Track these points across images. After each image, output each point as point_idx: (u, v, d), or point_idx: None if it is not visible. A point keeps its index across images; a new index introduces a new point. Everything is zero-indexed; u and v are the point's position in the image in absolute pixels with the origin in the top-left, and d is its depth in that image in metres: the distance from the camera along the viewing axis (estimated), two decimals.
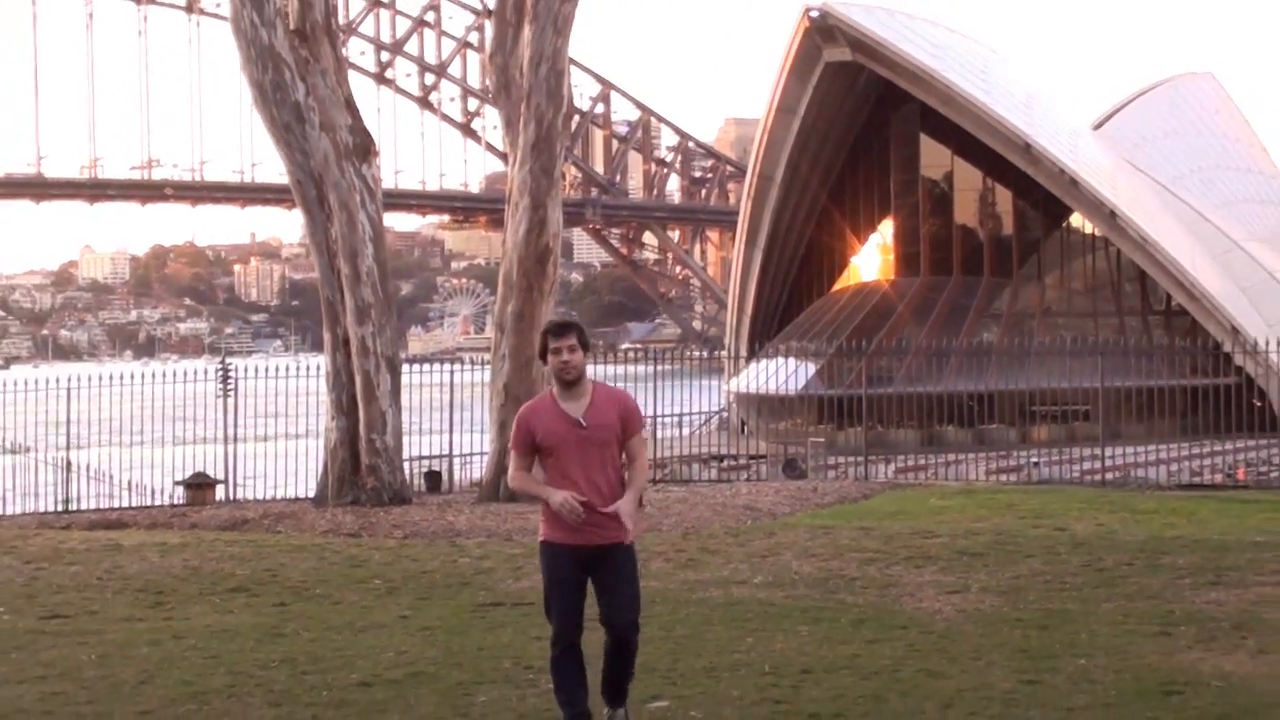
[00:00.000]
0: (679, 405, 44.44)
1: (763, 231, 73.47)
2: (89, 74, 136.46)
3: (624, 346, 77.39)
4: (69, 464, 32.06)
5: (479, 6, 32.89)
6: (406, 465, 25.78)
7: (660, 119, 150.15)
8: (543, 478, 8.43)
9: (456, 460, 31.79)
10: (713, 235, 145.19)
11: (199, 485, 29.46)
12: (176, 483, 30.62)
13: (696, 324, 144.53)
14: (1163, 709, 9.37)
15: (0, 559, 18.04)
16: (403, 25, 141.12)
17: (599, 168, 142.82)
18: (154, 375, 36.73)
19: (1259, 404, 49.25)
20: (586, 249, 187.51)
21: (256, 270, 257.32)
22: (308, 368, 29.79)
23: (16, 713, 9.94)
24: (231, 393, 30.95)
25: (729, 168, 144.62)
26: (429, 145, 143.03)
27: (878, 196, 74.58)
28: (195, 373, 35.44)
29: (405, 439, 25.20)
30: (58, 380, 33.46)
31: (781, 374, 61.67)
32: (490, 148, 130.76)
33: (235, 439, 30.24)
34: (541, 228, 24.62)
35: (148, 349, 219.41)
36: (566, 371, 8.36)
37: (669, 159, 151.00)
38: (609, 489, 8.34)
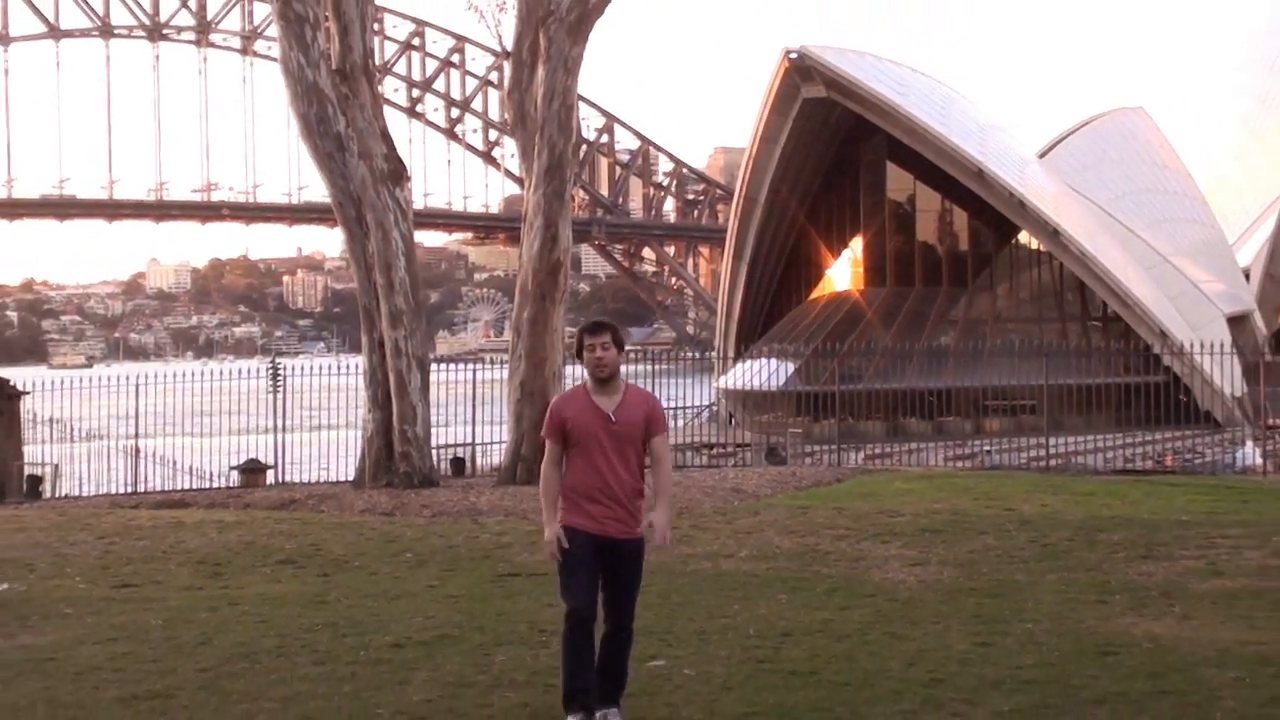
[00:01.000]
0: (673, 400, 44.33)
1: (748, 247, 73.63)
2: (155, 109, 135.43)
3: (628, 347, 77.51)
4: (138, 451, 32.06)
5: (498, 49, 32.94)
6: (434, 452, 25.76)
7: (657, 148, 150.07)
8: (557, 478, 7.94)
9: (478, 448, 31.76)
10: (704, 250, 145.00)
11: (252, 470, 29.44)
12: (232, 468, 30.62)
13: (689, 328, 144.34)
14: (1099, 668, 9.36)
15: (77, 535, 18.06)
16: (431, 65, 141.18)
17: (604, 191, 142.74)
18: (212, 374, 36.75)
19: (1184, 399, 49.26)
20: (592, 262, 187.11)
21: (302, 281, 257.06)
22: (347, 367, 29.74)
23: (92, 669, 9.93)
24: (280, 389, 30.97)
25: (718, 191, 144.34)
26: (454, 171, 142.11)
27: (849, 216, 74.80)
28: (248, 371, 35.44)
29: (433, 429, 25.20)
30: (127, 378, 33.46)
31: (764, 372, 61.78)
32: (508, 173, 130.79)
33: (284, 429, 30.24)
34: (553, 244, 24.59)
35: (207, 350, 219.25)
36: (600, 368, 7.89)
37: (665, 183, 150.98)
38: (631, 481, 7.91)
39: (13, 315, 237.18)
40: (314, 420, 33.33)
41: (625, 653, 8.00)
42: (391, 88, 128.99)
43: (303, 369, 34.59)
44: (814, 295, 74.89)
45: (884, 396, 48.73)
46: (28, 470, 29.91)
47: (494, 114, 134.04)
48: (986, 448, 40.22)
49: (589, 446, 7.81)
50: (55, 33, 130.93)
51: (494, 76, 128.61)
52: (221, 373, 37.17)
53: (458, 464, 29.55)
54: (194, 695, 9.02)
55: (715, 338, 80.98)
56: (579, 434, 7.82)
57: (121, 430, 33.59)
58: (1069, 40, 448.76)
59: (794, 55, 68.45)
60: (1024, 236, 70.61)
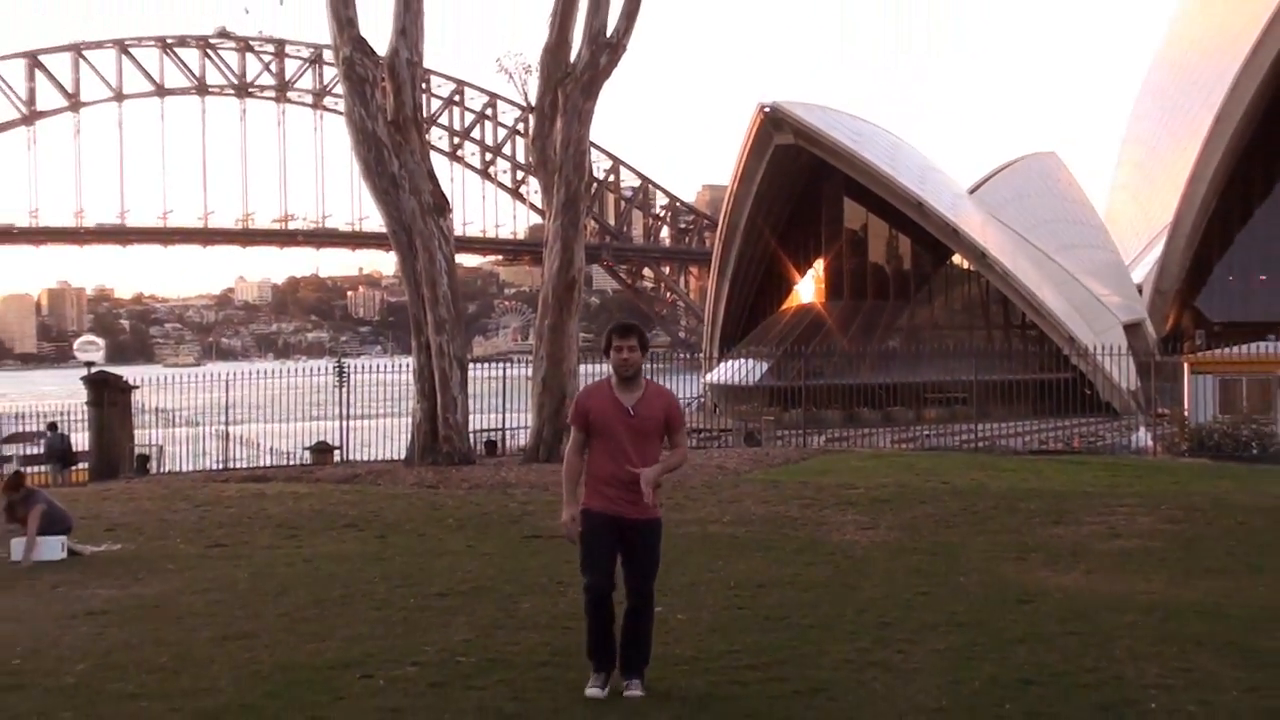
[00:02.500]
0: None
1: (730, 266, 73.73)
2: (242, 154, 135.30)
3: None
4: (227, 435, 32.11)
5: (524, 104, 32.93)
6: (471, 436, 25.77)
7: (655, 185, 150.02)
8: (580, 468, 7.39)
9: (508, 432, 31.79)
10: (694, 269, 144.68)
11: (321, 450, 29.50)
12: (305, 448, 30.67)
13: (681, 334, 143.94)
14: (1019, 613, 9.37)
15: (178, 504, 18.08)
16: (469, 118, 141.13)
17: (611, 221, 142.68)
18: (289, 371, 36.80)
19: (1089, 393, 49.19)
20: (601, 280, 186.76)
21: (363, 295, 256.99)
22: (400, 365, 29.77)
23: (190, 614, 9.94)
24: (344, 384, 31.01)
25: (705, 220, 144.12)
26: (488, 205, 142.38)
27: (813, 241, 74.89)
28: (318, 370, 35.50)
29: (470, 417, 25.22)
30: (219, 375, 33.54)
31: (743, 370, 61.75)
32: (532, 206, 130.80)
33: (347, 417, 30.30)
34: (570, 264, 24.59)
35: (284, 352, 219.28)
36: (625, 367, 7.25)
37: (661, 214, 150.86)
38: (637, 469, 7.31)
39: (125, 323, 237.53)
40: (372, 409, 33.33)
41: (647, 626, 7.36)
42: (436, 136, 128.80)
43: (363, 367, 34.65)
44: (784, 306, 74.90)
45: (841, 390, 48.57)
46: (137, 451, 29.99)
47: (520, 157, 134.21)
48: (926, 432, 40.15)
49: (608, 436, 7.23)
50: (160, 91, 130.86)
51: (521, 127, 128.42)
52: (296, 371, 37.21)
53: (490, 446, 29.57)
54: (274, 635, 9.02)
55: (703, 342, 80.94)
56: (600, 424, 7.26)
57: (214, 417, 33.68)
58: (997, 93, 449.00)
59: (768, 109, 68.54)
60: (957, 258, 70.68)
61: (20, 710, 7.11)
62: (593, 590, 7.22)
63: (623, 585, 7.35)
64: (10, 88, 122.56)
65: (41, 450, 31.78)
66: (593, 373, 34.41)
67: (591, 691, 7.13)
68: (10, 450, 34.19)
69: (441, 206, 24.60)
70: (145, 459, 29.41)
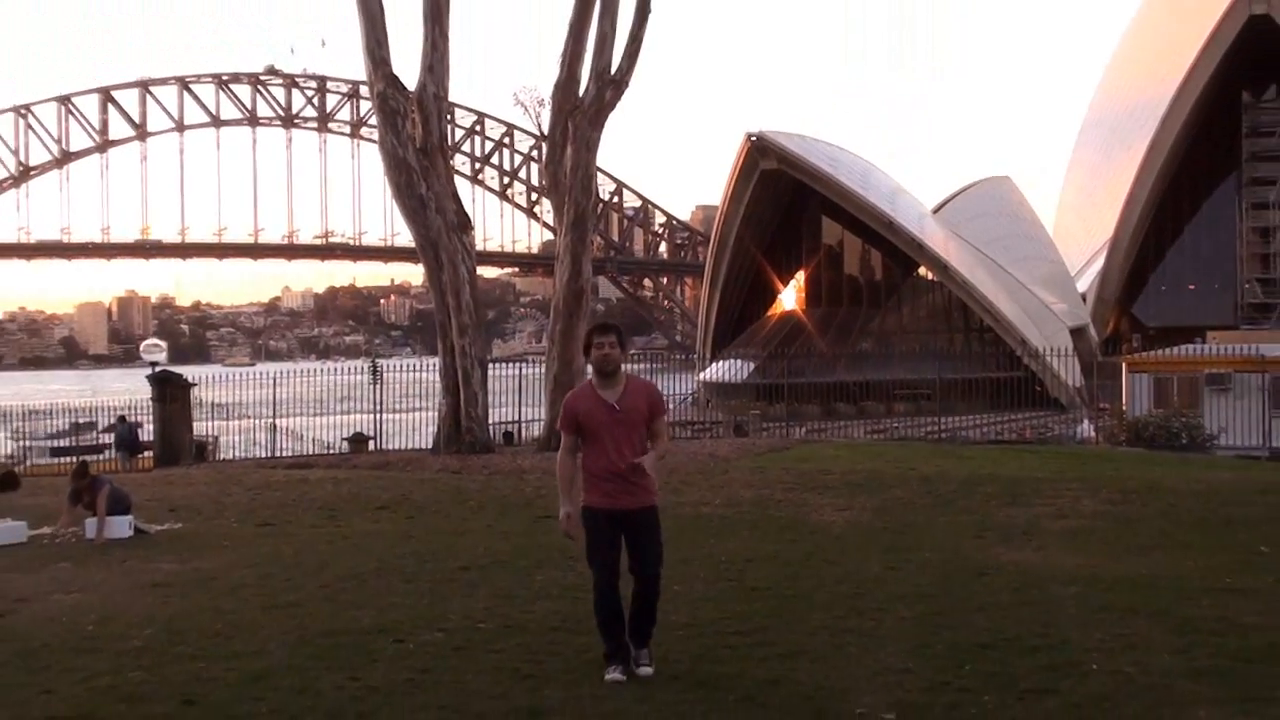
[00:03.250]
0: (665, 389, 44.24)
1: (721, 277, 73.65)
2: (288, 177, 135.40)
3: (633, 351, 77.70)
4: (275, 426, 32.11)
5: (537, 133, 32.97)
6: (490, 428, 25.76)
7: (654, 205, 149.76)
8: (573, 469, 7.05)
9: (523, 424, 31.78)
10: (689, 280, 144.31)
11: (358, 440, 29.44)
12: (344, 439, 30.63)
13: (677, 337, 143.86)
14: (978, 584, 9.37)
15: (231, 488, 18.08)
16: (489, 145, 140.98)
17: (615, 237, 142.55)
18: (329, 370, 36.77)
19: (1039, 389, 49.23)
20: (606, 289, 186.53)
21: (394, 303, 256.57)
22: (427, 365, 29.77)
23: (243, 585, 9.95)
24: (378, 382, 30.99)
25: (699, 236, 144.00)
26: (505, 223, 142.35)
27: (794, 255, 74.89)
28: (355, 369, 35.47)
29: (490, 410, 25.20)
30: (267, 374, 33.53)
31: (732, 369, 61.75)
32: (545, 224, 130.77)
33: (381, 411, 30.27)
34: (578, 276, 24.55)
35: (325, 354, 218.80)
36: (606, 362, 6.83)
37: (660, 231, 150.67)
38: (636, 460, 6.91)
39: (185, 328, 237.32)
40: (403, 404, 33.33)
41: (653, 602, 6.96)
42: (459, 162, 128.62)
43: (394, 367, 34.65)
44: (769, 312, 74.82)
45: (820, 387, 48.70)
46: (195, 441, 29.97)
47: (535, 181, 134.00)
48: (895, 425, 40.07)
49: (599, 434, 6.80)
50: (217, 122, 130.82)
51: (535, 154, 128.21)
52: (335, 370, 37.19)
53: (508, 436, 29.50)
54: (317, 605, 9.02)
55: (696, 344, 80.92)
56: (590, 425, 6.83)
57: (263, 411, 33.69)
58: (957, 122, 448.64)
59: (754, 138, 68.51)
60: (922, 270, 70.61)
61: (95, 670, 7.13)
62: (600, 583, 6.86)
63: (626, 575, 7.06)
64: (86, 120, 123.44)
65: (110, 439, 31.84)
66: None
67: (612, 676, 6.73)
68: (60, 443, 34.34)
69: (464, 224, 24.61)
70: (203, 448, 29.38)
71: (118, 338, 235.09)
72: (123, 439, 31.16)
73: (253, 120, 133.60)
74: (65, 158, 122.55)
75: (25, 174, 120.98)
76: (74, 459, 23.44)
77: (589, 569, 7.00)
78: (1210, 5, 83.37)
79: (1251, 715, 5.85)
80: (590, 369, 6.96)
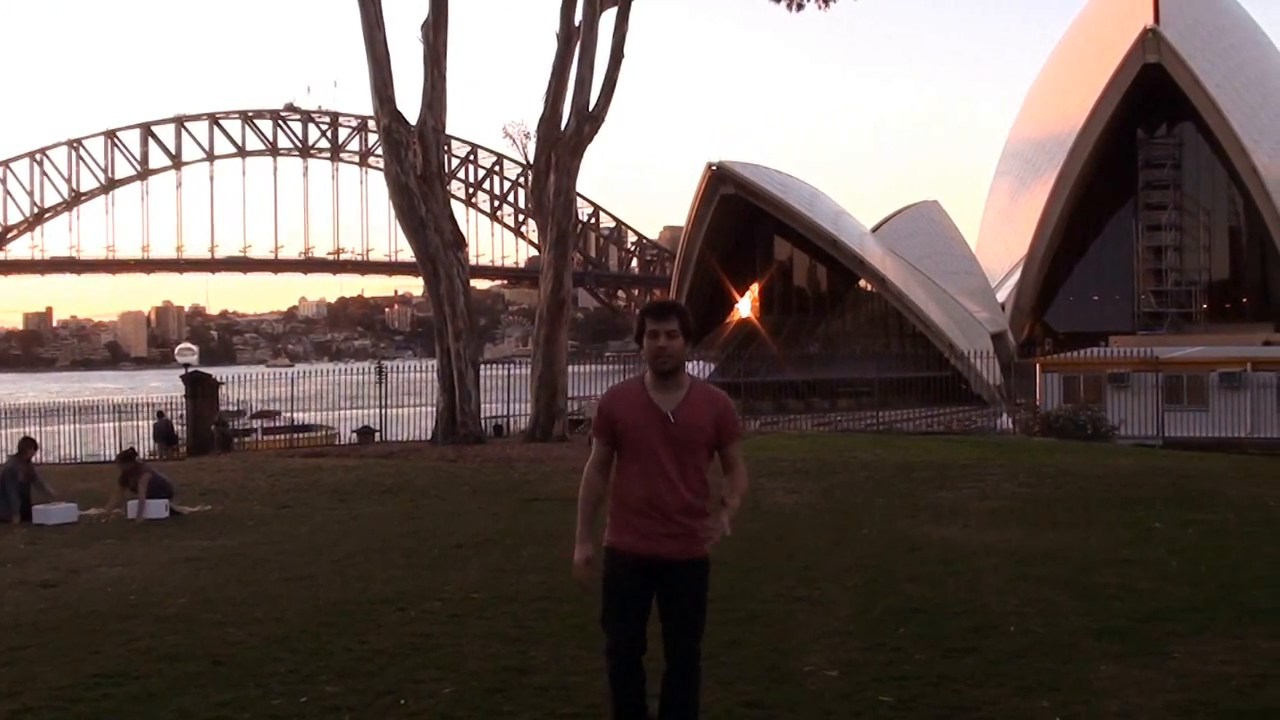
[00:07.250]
0: None
1: (685, 289, 73.59)
2: (304, 201, 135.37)
3: (607, 354, 77.82)
4: (292, 420, 31.94)
5: (524, 162, 33.11)
6: (483, 421, 25.70)
7: (627, 226, 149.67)
8: (601, 490, 4.49)
9: (511, 418, 31.73)
10: (658, 292, 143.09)
11: (365, 432, 29.34)
12: (353, 431, 30.53)
13: None
14: (911, 557, 9.39)
15: (254, 475, 17.96)
16: (480, 173, 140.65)
17: (592, 253, 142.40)
18: (340, 371, 36.57)
19: (964, 387, 49.51)
20: (585, 299, 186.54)
21: (398, 311, 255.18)
22: (426, 366, 29.67)
23: (264, 560, 9.89)
24: (383, 381, 30.87)
25: (666, 253, 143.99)
26: (495, 241, 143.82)
27: (750, 269, 75.00)
28: (363, 370, 35.33)
29: (482, 406, 25.12)
30: (283, 373, 33.36)
31: (694, 370, 61.49)
32: (531, 242, 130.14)
33: (386, 406, 30.14)
34: (560, 288, 24.54)
35: (336, 356, 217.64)
36: (663, 359, 4.30)
37: (632, 249, 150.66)
38: (691, 500, 4.37)
39: (214, 333, 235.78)
40: (405, 401, 33.24)
41: (694, 695, 4.44)
42: (455, 187, 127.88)
43: (398, 368, 34.50)
44: (728, 320, 74.96)
45: (772, 385, 48.79)
46: (220, 430, 29.75)
47: (521, 204, 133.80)
48: (839, 418, 40.25)
49: (642, 452, 4.31)
50: (242, 153, 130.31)
51: (522, 180, 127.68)
52: (346, 370, 37.00)
53: (498, 429, 29.43)
54: (329, 578, 8.97)
55: None
56: (631, 436, 4.33)
57: (284, 407, 33.52)
58: (890, 151, 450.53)
59: (715, 167, 68.68)
60: (863, 283, 70.92)
61: (136, 634, 7.09)
62: (616, 655, 4.36)
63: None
64: (129, 151, 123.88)
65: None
66: (580, 373, 34.39)
67: None
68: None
69: (459, 241, 24.54)
70: (229, 439, 29.20)
71: (156, 342, 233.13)
72: (160, 431, 30.92)
73: (274, 151, 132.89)
74: (111, 185, 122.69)
75: (76, 199, 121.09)
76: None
77: (603, 632, 4.44)
78: (1111, 53, 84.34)
79: (1147, 668, 5.90)
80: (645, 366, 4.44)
